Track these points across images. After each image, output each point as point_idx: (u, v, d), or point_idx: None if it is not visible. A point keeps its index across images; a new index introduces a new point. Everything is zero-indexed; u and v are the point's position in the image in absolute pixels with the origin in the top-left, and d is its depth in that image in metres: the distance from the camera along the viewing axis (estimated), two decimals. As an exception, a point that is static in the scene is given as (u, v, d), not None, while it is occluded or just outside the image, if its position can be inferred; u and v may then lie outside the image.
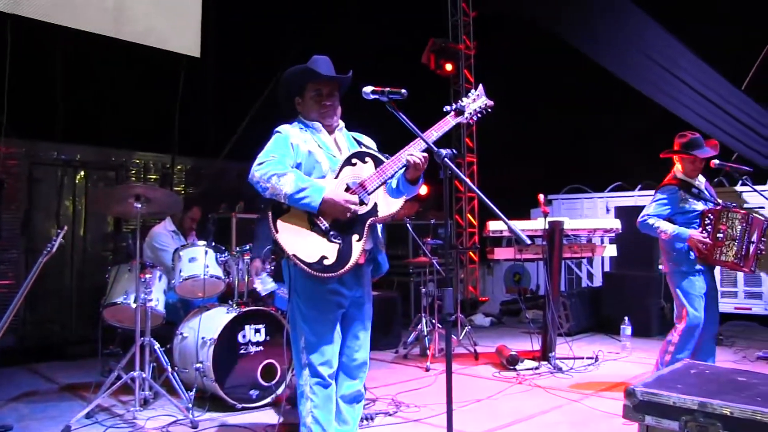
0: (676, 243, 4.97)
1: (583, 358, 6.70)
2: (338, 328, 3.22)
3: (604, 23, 10.28)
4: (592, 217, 10.77)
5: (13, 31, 7.06)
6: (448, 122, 3.23)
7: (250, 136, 9.95)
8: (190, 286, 5.32)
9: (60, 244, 4.70)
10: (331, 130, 3.36)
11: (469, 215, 11.81)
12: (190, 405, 4.75)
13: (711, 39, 9.87)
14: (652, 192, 10.22)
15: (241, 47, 9.81)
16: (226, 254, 5.44)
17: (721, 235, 4.87)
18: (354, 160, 3.21)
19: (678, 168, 5.17)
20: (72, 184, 8.73)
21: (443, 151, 2.92)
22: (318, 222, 3.05)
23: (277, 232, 3.00)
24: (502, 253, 7.22)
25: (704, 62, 9.59)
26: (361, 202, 3.10)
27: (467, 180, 3.01)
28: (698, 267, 4.96)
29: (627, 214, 8.56)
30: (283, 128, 3.26)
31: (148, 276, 4.97)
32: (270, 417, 4.87)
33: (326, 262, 3.00)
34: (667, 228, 4.93)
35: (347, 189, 3.11)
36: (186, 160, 9.67)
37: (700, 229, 4.93)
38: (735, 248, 4.89)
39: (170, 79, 9.03)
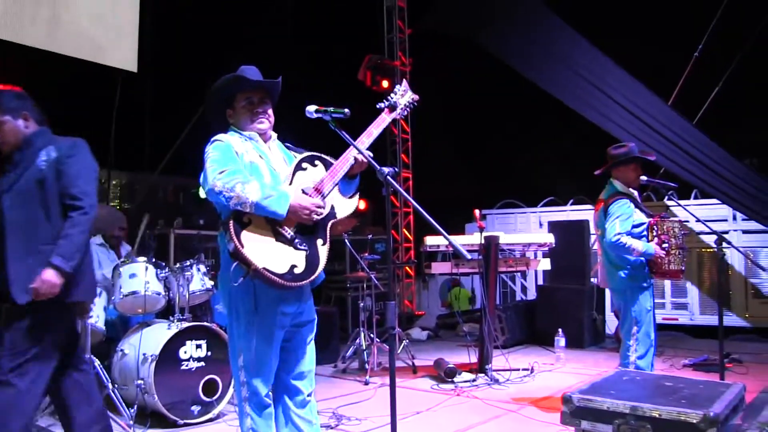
0: (635, 258, 5.02)
1: (519, 369, 6.87)
2: (277, 346, 3.17)
3: (535, 41, 10.56)
4: (525, 231, 11.03)
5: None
6: (384, 119, 3.34)
7: (186, 151, 9.88)
8: (130, 302, 5.28)
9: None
10: (265, 139, 3.33)
11: (405, 230, 11.94)
12: (132, 422, 4.72)
13: (638, 55, 10.29)
14: (583, 206, 10.64)
15: (177, 62, 9.75)
16: (167, 270, 5.42)
17: (666, 245, 5.00)
18: (305, 165, 3.22)
19: (617, 182, 5.21)
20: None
21: (386, 169, 3.01)
22: (282, 231, 3.02)
23: (242, 246, 2.91)
24: (439, 268, 7.35)
25: (632, 78, 9.96)
26: None
27: (409, 197, 3.09)
28: (650, 281, 5.06)
29: (560, 228, 8.84)
30: (223, 137, 3.20)
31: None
32: (212, 432, 4.88)
33: (296, 271, 2.98)
34: (638, 246, 4.92)
35: (303, 193, 3.11)
36: (121, 175, 9.55)
37: (651, 241, 5.02)
38: (680, 256, 5.04)
39: (105, 93, 8.92)
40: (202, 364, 5.09)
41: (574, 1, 10.64)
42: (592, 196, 11.14)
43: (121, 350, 5.21)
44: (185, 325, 5.05)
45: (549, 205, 11.74)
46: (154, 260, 5.43)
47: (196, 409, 5.02)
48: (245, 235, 2.96)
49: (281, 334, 3.18)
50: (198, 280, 5.42)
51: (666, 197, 8.41)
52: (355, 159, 3.18)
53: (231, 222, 2.96)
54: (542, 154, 12.78)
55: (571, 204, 11.33)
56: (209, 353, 5.13)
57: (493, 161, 13.44)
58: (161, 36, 9.46)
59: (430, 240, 6.99)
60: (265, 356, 3.12)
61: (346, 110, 3.14)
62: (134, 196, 9.72)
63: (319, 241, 3.11)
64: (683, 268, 5.08)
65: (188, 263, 5.39)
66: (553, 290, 9.10)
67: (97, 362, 4.89)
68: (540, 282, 10.27)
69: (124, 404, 4.85)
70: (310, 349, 3.34)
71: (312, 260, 3.06)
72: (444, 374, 6.56)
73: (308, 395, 3.31)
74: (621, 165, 5.22)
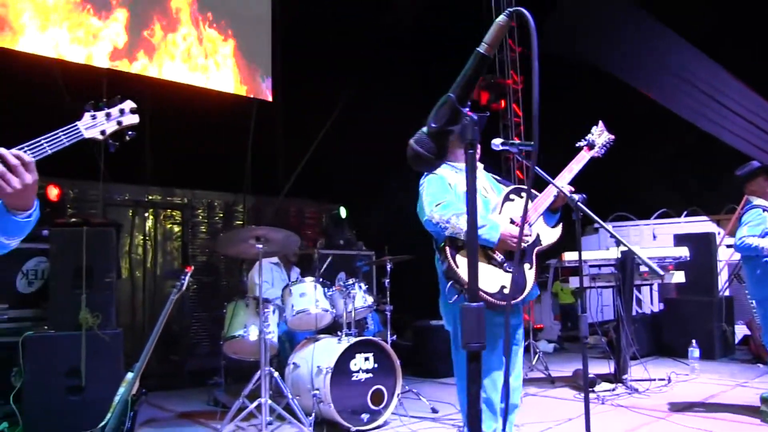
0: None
1: (655, 379, 7.00)
2: (501, 356, 3.48)
3: (646, 54, 10.68)
4: (638, 244, 11.07)
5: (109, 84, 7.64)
6: (584, 156, 3.65)
7: (308, 175, 10.35)
8: (299, 319, 5.73)
9: (189, 283, 5.12)
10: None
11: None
12: (312, 429, 5.13)
13: (756, 63, 10.24)
14: (698, 218, 10.62)
15: (304, 90, 10.21)
16: (333, 288, 5.86)
17: None
18: (512, 196, 3.59)
19: (753, 197, 5.45)
20: (143, 223, 9.16)
21: (576, 196, 3.33)
22: (493, 255, 3.38)
23: (457, 267, 3.29)
24: (576, 282, 7.56)
25: (747, 87, 9.93)
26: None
27: (601, 221, 3.35)
28: None
29: (687, 241, 8.88)
30: (438, 170, 3.57)
31: (266, 310, 5.36)
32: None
33: (506, 291, 3.32)
34: (767, 244, 5.13)
35: (511, 222, 3.45)
36: (249, 198, 10.07)
37: None
38: None
39: (239, 121, 9.44)
40: (370, 375, 5.49)
41: (690, 15, 10.67)
42: (706, 207, 11.17)
43: (293, 363, 5.66)
44: (354, 339, 5.46)
45: (662, 217, 11.74)
46: (321, 280, 5.88)
47: (365, 417, 5.40)
48: (459, 257, 3.33)
49: (501, 344, 3.50)
50: (360, 297, 5.84)
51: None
52: (558, 193, 3.48)
53: (447, 246, 3.35)
54: (648, 167, 12.76)
55: (685, 216, 11.31)
56: (376, 365, 5.53)
57: (601, 174, 13.48)
58: (289, 65, 10.00)
59: (568, 255, 7.20)
60: (491, 365, 3.44)
61: (534, 143, 3.44)
62: (261, 218, 10.21)
63: (526, 266, 3.45)
64: None
65: (351, 282, 5.83)
66: (680, 302, 9.13)
67: (276, 374, 5.34)
68: (656, 295, 10.31)
69: (303, 413, 5.26)
70: (520, 360, 3.67)
71: (519, 282, 3.40)
72: (585, 384, 6.73)
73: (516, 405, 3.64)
74: (748, 181, 5.44)
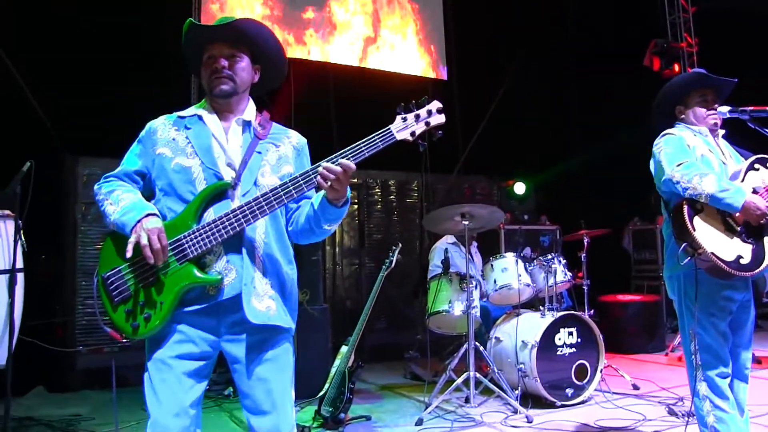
0: None
1: None
2: (720, 329, 3.35)
3: None
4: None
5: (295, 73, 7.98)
6: None
7: (479, 151, 10.34)
8: (501, 294, 5.83)
9: (397, 259, 5.32)
10: (714, 135, 3.57)
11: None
12: (519, 402, 5.20)
13: None
14: None
15: (474, 69, 10.21)
16: (534, 263, 5.89)
17: None
18: (757, 165, 3.41)
19: None
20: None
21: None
22: (731, 223, 3.25)
23: (694, 229, 3.19)
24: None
25: None
26: None
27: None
28: None
29: None
30: (674, 131, 3.51)
31: (470, 286, 5.47)
32: (588, 414, 5.19)
33: (742, 262, 3.19)
34: None
35: (753, 192, 3.26)
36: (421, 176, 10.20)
37: None
38: None
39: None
40: (574, 350, 5.48)
41: None
42: None
43: (496, 337, 5.75)
44: (559, 314, 5.48)
45: None
46: (522, 255, 5.93)
47: (569, 391, 5.40)
48: (697, 220, 3.24)
49: (729, 319, 3.38)
50: (560, 272, 5.84)
51: None
52: None
53: (685, 206, 3.24)
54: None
55: None
56: (579, 340, 5.51)
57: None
58: (461, 43, 10.03)
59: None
60: (718, 338, 3.34)
61: (772, 108, 3.27)
62: (434, 196, 10.32)
63: (767, 239, 3.28)
64: None
65: (551, 256, 5.83)
66: None
67: (481, 348, 5.46)
68: None
69: (509, 386, 5.35)
70: (751, 339, 3.52)
71: (758, 255, 3.24)
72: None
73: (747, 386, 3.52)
74: None
